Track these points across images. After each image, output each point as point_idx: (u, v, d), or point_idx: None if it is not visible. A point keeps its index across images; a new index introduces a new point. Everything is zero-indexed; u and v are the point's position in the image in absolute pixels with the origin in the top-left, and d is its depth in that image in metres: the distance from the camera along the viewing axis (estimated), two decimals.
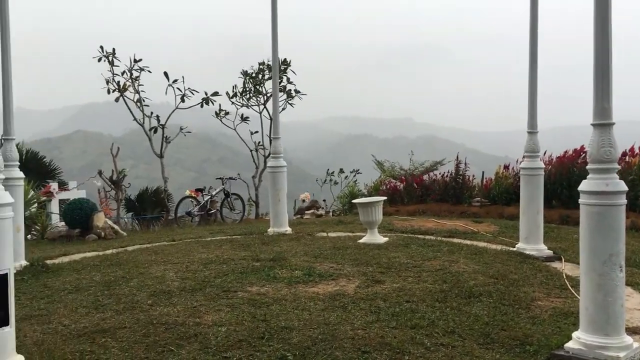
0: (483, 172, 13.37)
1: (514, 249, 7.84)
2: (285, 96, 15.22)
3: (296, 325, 4.66)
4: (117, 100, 13.97)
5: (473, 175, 13.80)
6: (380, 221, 8.75)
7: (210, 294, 5.62)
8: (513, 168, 13.18)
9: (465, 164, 13.61)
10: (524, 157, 7.87)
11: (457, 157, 13.71)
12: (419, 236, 9.13)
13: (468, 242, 8.62)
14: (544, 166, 7.95)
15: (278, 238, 9.20)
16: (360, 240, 8.51)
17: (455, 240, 8.79)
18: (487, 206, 12.60)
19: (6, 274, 3.71)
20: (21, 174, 7.17)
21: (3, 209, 3.67)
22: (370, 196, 13.73)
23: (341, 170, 17.69)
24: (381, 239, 8.51)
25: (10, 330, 3.74)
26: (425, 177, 14.69)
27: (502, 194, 12.72)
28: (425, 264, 6.84)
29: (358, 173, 17.54)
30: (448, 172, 13.93)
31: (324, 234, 9.59)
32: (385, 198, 9.48)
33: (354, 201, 9.13)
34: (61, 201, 12.91)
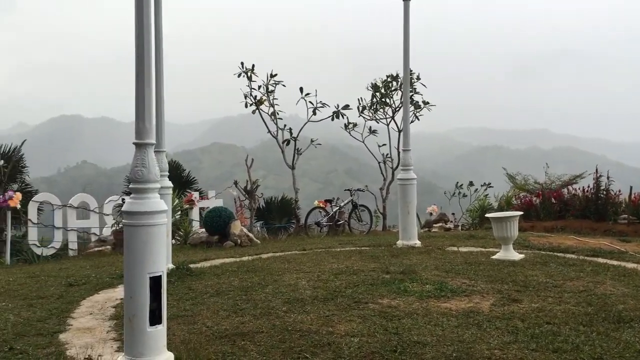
0: (631, 187, 12.31)
1: None
2: (412, 108, 15.11)
3: (429, 341, 4.57)
4: (254, 112, 14.66)
5: (619, 190, 12.77)
6: (515, 237, 8.39)
7: (341, 304, 5.70)
8: None
9: (608, 177, 12.65)
10: None
11: (597, 171, 12.78)
12: (558, 254, 8.62)
13: (615, 262, 7.97)
14: None
15: (407, 251, 9.13)
16: (494, 256, 8.21)
17: (600, 260, 8.17)
18: (635, 224, 11.60)
19: (160, 276, 4.02)
20: (170, 183, 7.78)
21: (159, 215, 3.98)
22: (501, 210, 13.20)
23: (470, 183, 17.17)
24: (516, 256, 8.15)
25: (162, 329, 4.04)
26: (564, 191, 13.84)
27: None
28: (567, 284, 6.43)
29: (490, 187, 16.92)
30: (589, 186, 13.01)
31: (455, 249, 9.36)
32: (521, 213, 9.06)
33: (487, 215, 8.82)
34: (200, 209, 13.77)
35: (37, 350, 4.47)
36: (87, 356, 4.31)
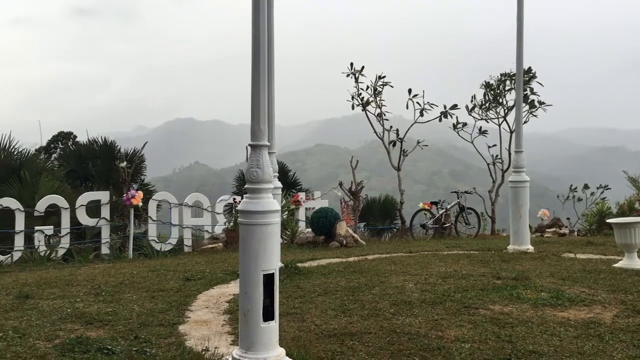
0: None
1: None
2: (527, 107, 14.47)
3: (545, 351, 4.37)
4: (363, 110, 14.66)
5: None
6: None
7: (450, 309, 5.58)
8: None
9: None
10: None
11: None
12: None
13: None
14: None
15: (519, 256, 8.78)
16: (616, 265, 7.70)
17: None
18: None
19: (273, 273, 4.13)
20: (280, 184, 8.01)
21: (273, 215, 4.09)
22: (622, 215, 12.36)
23: (586, 186, 16.17)
24: None
25: (275, 325, 4.15)
26: None
27: None
28: None
29: (607, 189, 15.85)
30: None
31: (571, 255, 8.88)
32: None
33: (609, 220, 8.28)
34: (306, 209, 14.01)
35: (159, 340, 4.76)
36: (204, 347, 4.52)
